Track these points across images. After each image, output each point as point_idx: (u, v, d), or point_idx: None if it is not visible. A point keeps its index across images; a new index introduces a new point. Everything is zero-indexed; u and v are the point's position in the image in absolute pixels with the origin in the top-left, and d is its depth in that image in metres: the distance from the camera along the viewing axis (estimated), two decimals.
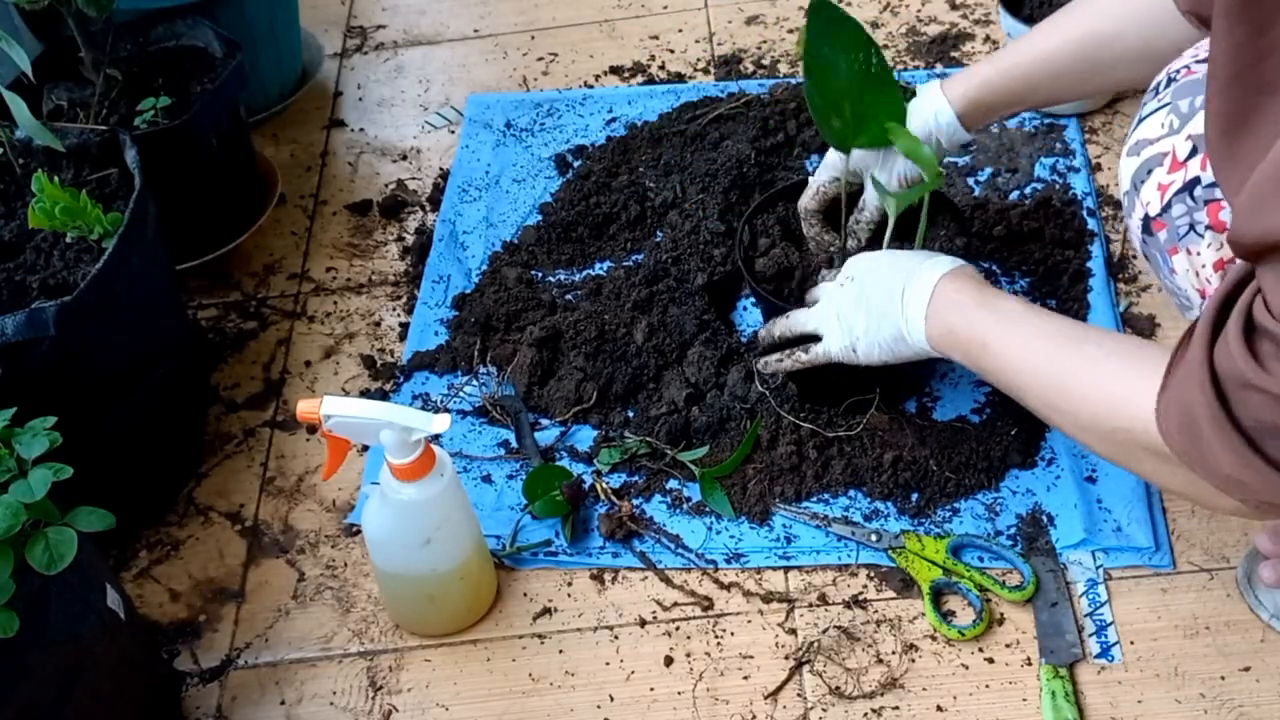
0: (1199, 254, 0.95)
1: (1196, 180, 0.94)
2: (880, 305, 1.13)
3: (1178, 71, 1.00)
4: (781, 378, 1.33)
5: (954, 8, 1.88)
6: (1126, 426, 0.89)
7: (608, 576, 1.26)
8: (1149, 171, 0.99)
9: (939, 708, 1.13)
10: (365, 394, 1.46)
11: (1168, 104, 0.99)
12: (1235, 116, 0.72)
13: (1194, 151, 0.94)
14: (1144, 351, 0.92)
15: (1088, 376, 0.94)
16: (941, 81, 1.24)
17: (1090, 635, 1.16)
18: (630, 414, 1.37)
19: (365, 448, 1.38)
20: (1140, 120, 1.02)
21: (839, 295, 1.18)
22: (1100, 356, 0.94)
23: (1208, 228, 0.94)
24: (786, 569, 1.24)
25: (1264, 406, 0.76)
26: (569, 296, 1.50)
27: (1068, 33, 1.16)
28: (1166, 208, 0.96)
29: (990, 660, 1.16)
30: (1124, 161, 1.03)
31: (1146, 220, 0.99)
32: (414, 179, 1.74)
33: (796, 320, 1.22)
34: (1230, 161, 0.76)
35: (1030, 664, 1.15)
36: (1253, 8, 0.69)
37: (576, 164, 1.69)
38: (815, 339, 1.20)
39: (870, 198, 1.28)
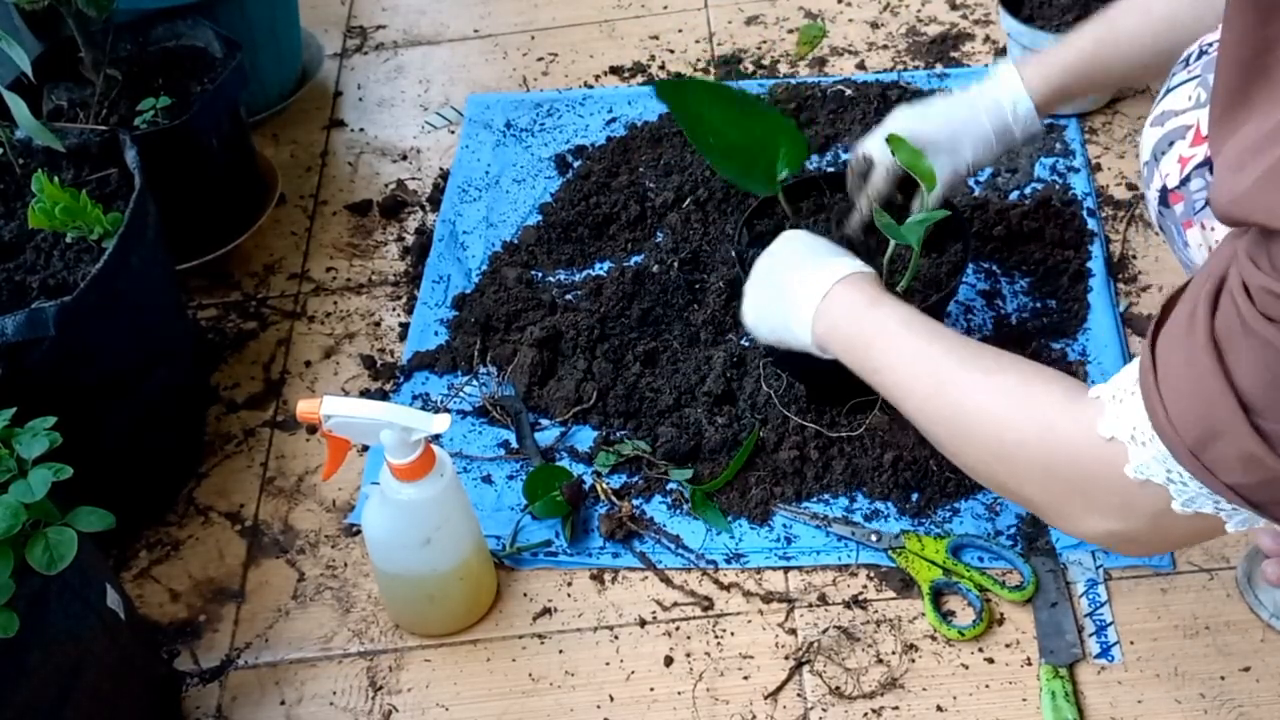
0: (1213, 229, 0.95)
1: None
2: (779, 287, 1.13)
3: (1210, 44, 0.99)
4: (787, 379, 1.33)
5: (954, 8, 1.88)
6: (1042, 438, 0.86)
7: (608, 576, 1.26)
8: (1170, 143, 0.97)
9: (939, 708, 1.13)
10: (365, 394, 1.46)
11: (1197, 76, 0.97)
12: (1235, 99, 0.72)
13: None
14: (1047, 371, 0.89)
15: (991, 391, 0.91)
16: (1017, 66, 1.21)
17: (1090, 635, 1.16)
18: (631, 414, 1.37)
19: (365, 448, 1.38)
20: (1168, 90, 1.00)
21: (759, 264, 1.18)
22: (1000, 370, 0.91)
23: None
24: (786, 569, 1.24)
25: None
26: (569, 296, 1.50)
27: (1147, 15, 1.13)
28: (1185, 181, 0.96)
29: (990, 660, 1.16)
30: (1147, 131, 1.01)
31: (1164, 192, 0.98)
32: (414, 179, 1.74)
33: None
34: (1221, 143, 0.76)
35: (1030, 664, 1.15)
36: None
37: (576, 164, 1.69)
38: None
39: (878, 176, 1.27)
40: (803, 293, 1.09)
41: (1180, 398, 0.74)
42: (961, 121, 1.23)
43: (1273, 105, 0.67)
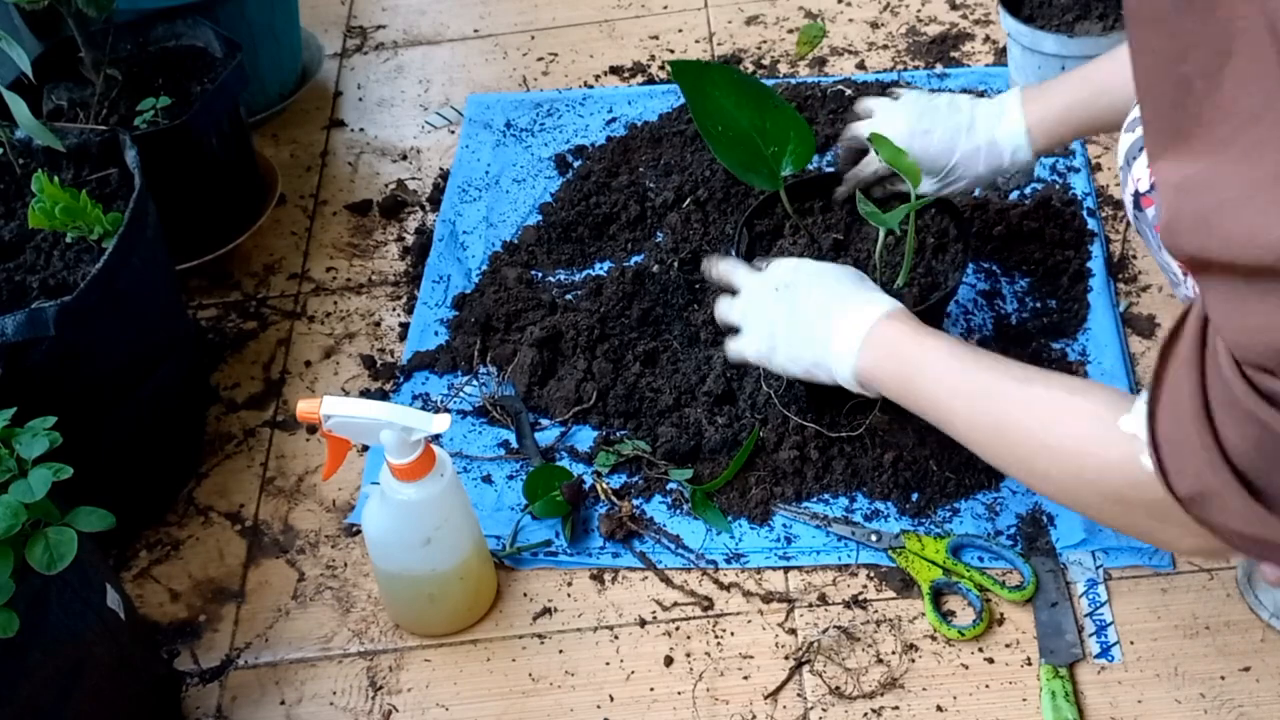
0: None
1: None
2: (808, 325, 1.11)
3: None
4: (786, 380, 1.33)
5: (954, 8, 1.88)
6: (1089, 466, 0.85)
7: (608, 576, 1.26)
8: (1141, 148, 0.98)
9: (939, 708, 1.13)
10: (365, 394, 1.46)
11: None
12: (1173, 128, 0.65)
13: None
14: (1092, 387, 0.88)
15: (1031, 414, 0.91)
16: (1024, 104, 1.22)
17: (1090, 635, 1.16)
18: (631, 414, 1.37)
19: (365, 448, 1.38)
20: None
21: (769, 300, 1.15)
22: (1045, 394, 0.91)
23: None
24: (786, 569, 1.24)
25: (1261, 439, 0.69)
26: (569, 296, 1.50)
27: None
28: (1155, 185, 0.96)
29: (990, 660, 1.16)
30: (1122, 136, 1.03)
31: (1137, 196, 0.99)
32: (414, 179, 1.74)
33: (721, 309, 1.19)
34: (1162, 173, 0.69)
35: (1030, 664, 1.15)
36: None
37: (576, 164, 1.69)
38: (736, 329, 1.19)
39: (867, 164, 1.29)
40: (842, 330, 1.08)
41: (1176, 458, 0.74)
42: (963, 153, 1.24)
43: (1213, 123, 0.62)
